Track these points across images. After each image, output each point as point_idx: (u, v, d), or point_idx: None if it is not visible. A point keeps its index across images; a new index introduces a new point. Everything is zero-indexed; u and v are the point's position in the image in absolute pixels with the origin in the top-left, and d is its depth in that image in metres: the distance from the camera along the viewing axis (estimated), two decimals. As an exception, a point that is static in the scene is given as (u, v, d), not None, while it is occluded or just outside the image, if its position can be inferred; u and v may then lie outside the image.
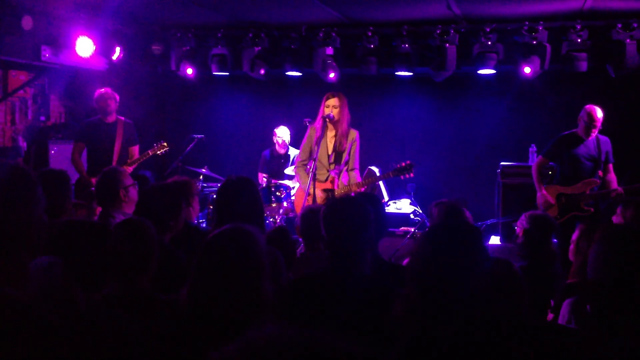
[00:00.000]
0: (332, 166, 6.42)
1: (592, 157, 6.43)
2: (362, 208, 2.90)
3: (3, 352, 1.35)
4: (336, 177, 6.40)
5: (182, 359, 2.13)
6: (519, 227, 4.04)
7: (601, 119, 6.35)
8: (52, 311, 1.47)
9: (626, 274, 1.50)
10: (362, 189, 6.32)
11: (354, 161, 6.49)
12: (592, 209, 6.40)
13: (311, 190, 6.11)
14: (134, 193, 4.33)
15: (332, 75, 7.83)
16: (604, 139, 6.48)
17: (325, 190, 6.33)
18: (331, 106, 6.30)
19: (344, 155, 6.42)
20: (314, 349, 0.82)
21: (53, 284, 1.83)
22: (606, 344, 1.58)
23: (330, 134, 6.43)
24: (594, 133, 6.38)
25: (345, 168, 6.47)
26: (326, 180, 6.44)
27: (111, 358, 1.97)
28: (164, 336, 2.20)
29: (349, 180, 6.45)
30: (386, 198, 8.12)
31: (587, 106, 6.45)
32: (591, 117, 6.33)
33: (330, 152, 6.43)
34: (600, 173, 6.45)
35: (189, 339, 2.15)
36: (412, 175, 6.22)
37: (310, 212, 4.28)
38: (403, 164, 6.21)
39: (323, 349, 0.82)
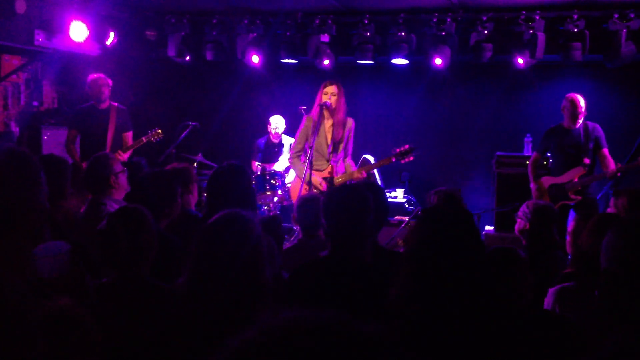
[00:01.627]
0: (331, 156, 6.36)
1: (577, 145, 6.49)
2: (361, 195, 2.89)
3: None
4: (335, 165, 6.36)
5: (184, 347, 2.11)
6: (522, 219, 4.02)
7: (585, 106, 6.42)
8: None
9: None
10: (363, 176, 6.27)
11: (348, 149, 6.46)
12: (579, 197, 6.46)
13: (308, 179, 6.06)
14: (123, 180, 4.31)
15: (326, 62, 7.77)
16: (593, 125, 6.52)
17: (324, 179, 6.29)
18: (329, 94, 6.22)
19: (342, 145, 6.37)
20: (338, 329, 0.80)
21: (62, 269, 1.81)
22: (606, 335, 1.56)
23: (328, 123, 6.35)
24: (580, 120, 6.45)
25: (342, 157, 6.43)
26: (325, 169, 6.39)
27: (112, 346, 1.96)
28: (164, 324, 2.19)
29: (345, 168, 6.41)
30: (380, 187, 8.10)
31: (568, 95, 6.54)
32: (575, 104, 6.42)
33: (329, 142, 6.36)
34: (586, 160, 6.48)
35: (189, 326, 2.14)
36: (412, 158, 6.16)
37: (306, 201, 4.29)
38: (403, 148, 6.16)
39: (346, 330, 0.81)
